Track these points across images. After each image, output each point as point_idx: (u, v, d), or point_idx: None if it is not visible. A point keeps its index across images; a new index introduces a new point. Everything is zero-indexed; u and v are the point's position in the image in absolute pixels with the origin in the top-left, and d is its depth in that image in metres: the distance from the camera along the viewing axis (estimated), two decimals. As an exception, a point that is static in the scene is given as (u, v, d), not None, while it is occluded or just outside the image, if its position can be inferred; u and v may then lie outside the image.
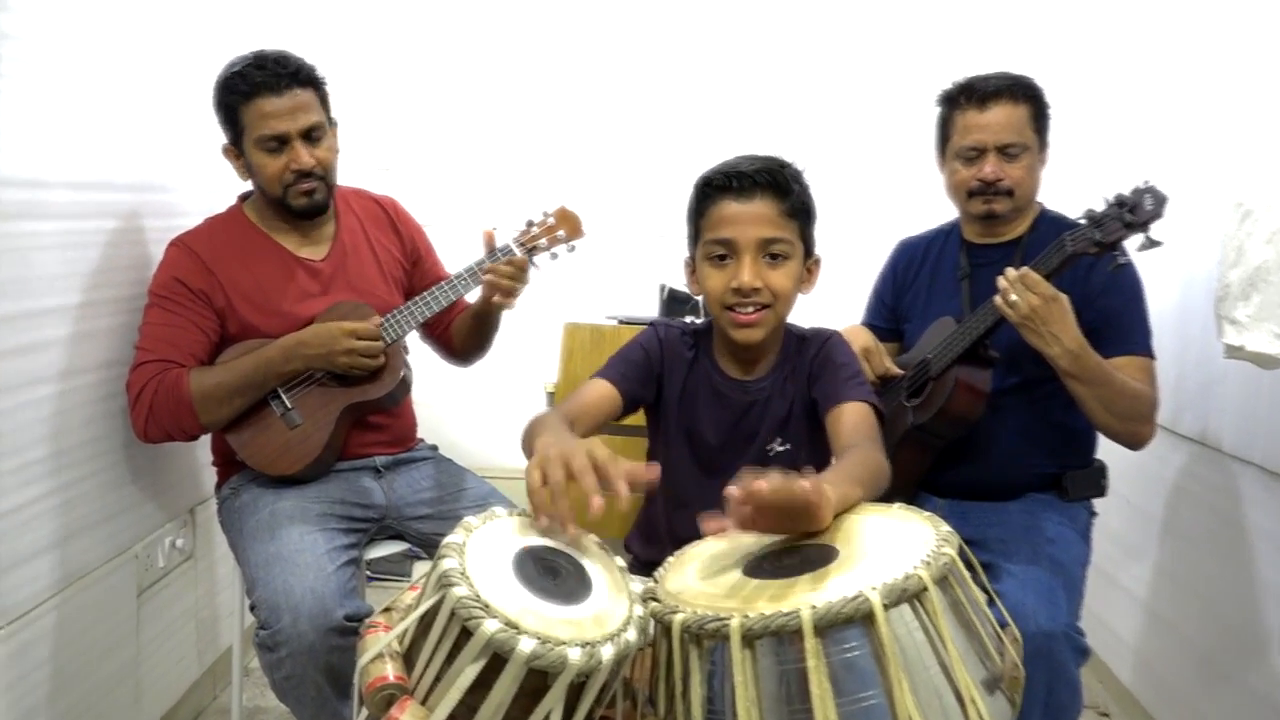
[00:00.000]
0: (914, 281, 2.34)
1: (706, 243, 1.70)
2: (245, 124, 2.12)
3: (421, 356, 2.48)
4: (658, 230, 3.73)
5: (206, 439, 2.31)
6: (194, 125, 2.44)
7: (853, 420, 1.63)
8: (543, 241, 2.27)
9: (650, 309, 3.38)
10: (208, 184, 2.55)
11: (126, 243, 2.28)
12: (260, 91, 2.09)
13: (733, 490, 1.19)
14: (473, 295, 2.29)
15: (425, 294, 2.24)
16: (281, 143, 2.13)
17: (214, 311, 2.15)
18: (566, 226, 2.28)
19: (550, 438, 1.39)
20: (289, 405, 2.15)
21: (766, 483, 1.18)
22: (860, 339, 2.25)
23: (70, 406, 2.08)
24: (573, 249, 2.30)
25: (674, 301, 3.23)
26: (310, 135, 2.15)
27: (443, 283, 2.26)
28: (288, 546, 1.99)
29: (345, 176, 2.33)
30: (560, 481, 1.28)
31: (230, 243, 2.21)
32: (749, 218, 1.64)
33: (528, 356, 3.43)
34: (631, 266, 3.73)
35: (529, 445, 1.53)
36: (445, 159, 3.93)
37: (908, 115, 3.21)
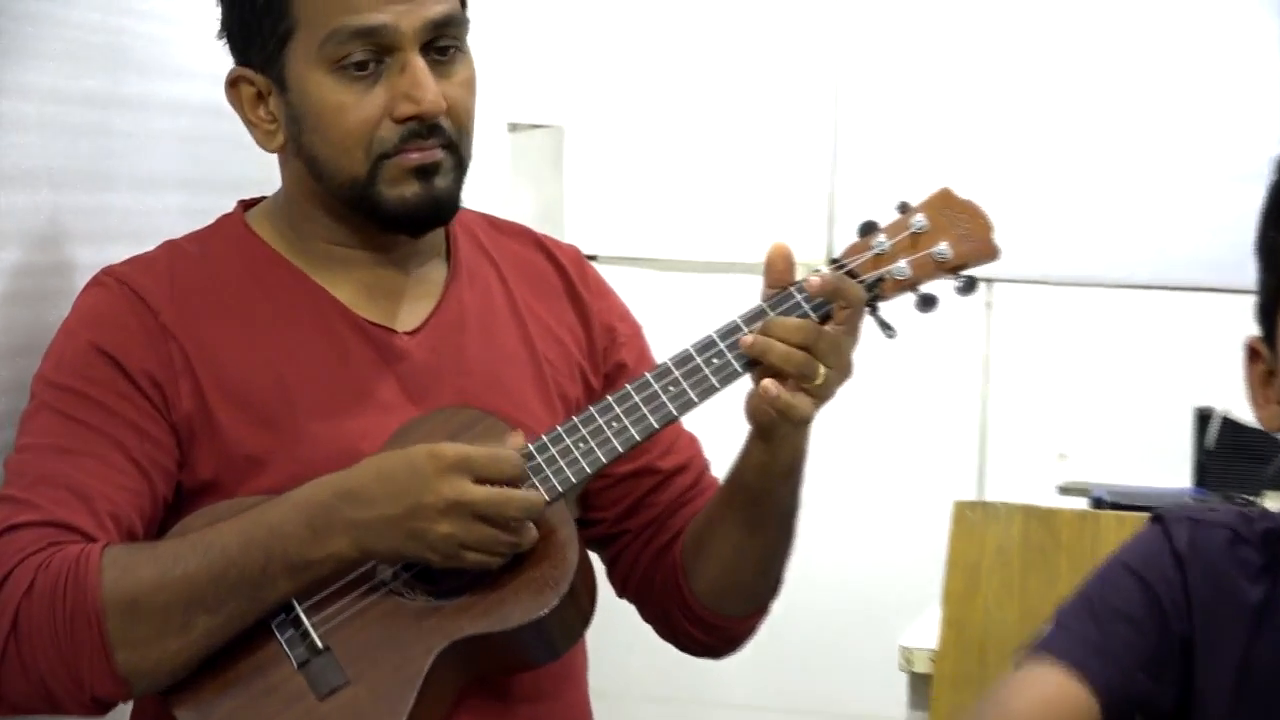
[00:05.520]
0: None
1: None
2: (300, 15, 1.86)
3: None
4: (1166, 260, 3.13)
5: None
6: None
7: None
8: (902, 265, 1.91)
9: (1172, 466, 2.84)
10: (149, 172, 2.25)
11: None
12: None
13: None
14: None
15: (628, 389, 1.93)
16: (380, 52, 1.83)
17: (169, 424, 1.87)
18: (952, 234, 1.92)
19: None
20: (319, 643, 1.84)
21: None
22: None
23: None
24: (970, 287, 1.92)
25: (1232, 447, 2.75)
26: (438, 44, 1.85)
27: (660, 372, 1.96)
28: None
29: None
30: None
31: (220, 286, 1.99)
32: None
33: (860, 582, 3.04)
34: (1112, 353, 3.16)
35: None
36: (646, 109, 3.39)
37: None
